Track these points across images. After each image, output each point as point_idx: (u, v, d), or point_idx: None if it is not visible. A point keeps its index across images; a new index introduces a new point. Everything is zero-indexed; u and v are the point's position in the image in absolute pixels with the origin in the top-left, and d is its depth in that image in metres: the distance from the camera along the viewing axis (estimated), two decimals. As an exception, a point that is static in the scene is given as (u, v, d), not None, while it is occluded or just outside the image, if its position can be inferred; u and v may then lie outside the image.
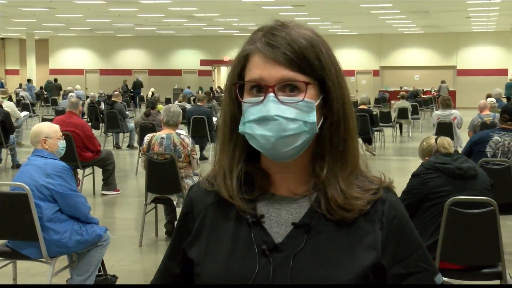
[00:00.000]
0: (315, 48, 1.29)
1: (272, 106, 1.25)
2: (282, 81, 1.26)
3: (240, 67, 1.32)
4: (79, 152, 8.36)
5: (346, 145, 1.32)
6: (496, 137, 6.02)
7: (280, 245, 1.29)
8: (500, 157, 5.98)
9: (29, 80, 30.88)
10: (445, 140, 4.43)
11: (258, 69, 1.27)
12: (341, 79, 1.32)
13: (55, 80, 31.61)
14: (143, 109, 20.17)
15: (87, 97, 20.59)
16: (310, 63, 1.27)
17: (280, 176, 1.35)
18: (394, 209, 1.35)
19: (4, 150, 11.13)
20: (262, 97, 1.26)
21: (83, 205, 4.56)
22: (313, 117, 1.27)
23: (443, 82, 30.34)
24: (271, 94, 1.25)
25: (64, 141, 4.92)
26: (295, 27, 1.31)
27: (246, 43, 1.33)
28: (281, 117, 1.25)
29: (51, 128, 4.79)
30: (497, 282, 4.19)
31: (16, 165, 10.93)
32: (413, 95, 23.63)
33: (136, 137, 13.02)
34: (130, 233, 7.09)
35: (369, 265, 1.28)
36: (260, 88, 1.28)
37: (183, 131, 7.59)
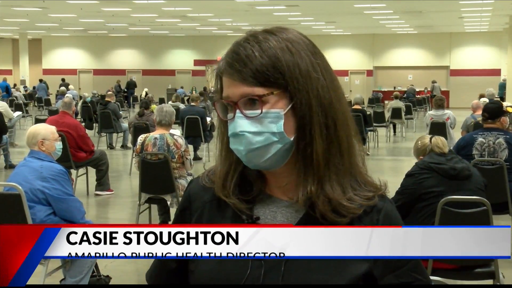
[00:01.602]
0: (270, 58, 1.29)
1: (239, 122, 1.29)
2: (242, 97, 1.30)
3: (219, 85, 1.36)
4: (72, 152, 8.34)
5: (312, 149, 1.30)
6: (480, 139, 6.01)
7: None
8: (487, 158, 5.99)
9: (40, 80, 30.63)
10: (439, 140, 4.43)
11: (225, 88, 1.33)
12: (308, 83, 1.30)
13: (63, 80, 31.35)
14: (137, 109, 20.14)
15: (81, 97, 20.54)
16: (264, 75, 1.29)
17: (274, 180, 1.37)
18: (390, 218, 1.34)
19: (-3, 151, 11.10)
20: (232, 115, 1.31)
21: (77, 210, 4.53)
22: (279, 126, 1.29)
23: (434, 82, 30.46)
24: (238, 111, 1.30)
25: (61, 142, 4.90)
26: (259, 37, 1.32)
27: (221, 59, 1.36)
28: (246, 132, 1.29)
29: (48, 130, 4.77)
30: (490, 281, 4.20)
31: (9, 166, 10.90)
32: (412, 94, 24.22)
33: (129, 137, 13.00)
34: (124, 234, 7.07)
35: (360, 275, 1.29)
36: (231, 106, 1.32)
37: (177, 131, 7.58)
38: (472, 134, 6.21)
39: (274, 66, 1.29)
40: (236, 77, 1.30)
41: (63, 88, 21.80)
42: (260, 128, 1.29)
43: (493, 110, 6.11)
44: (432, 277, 3.95)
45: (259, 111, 1.28)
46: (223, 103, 1.34)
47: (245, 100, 1.29)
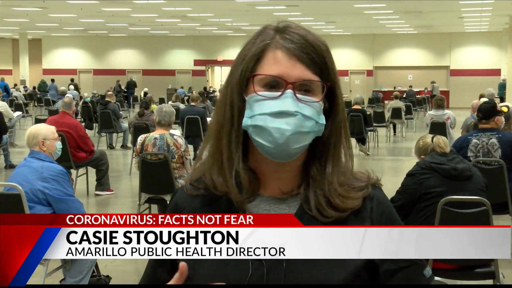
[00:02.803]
0: (328, 53, 1.32)
1: (291, 102, 1.26)
2: (302, 80, 1.28)
3: (254, 60, 1.31)
4: (72, 153, 8.34)
5: (347, 148, 1.37)
6: (474, 140, 5.99)
7: None
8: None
9: (52, 80, 30.54)
10: (441, 139, 4.43)
11: (279, 65, 1.28)
12: (339, 85, 1.36)
13: (72, 80, 31.23)
14: (137, 109, 20.14)
15: (81, 97, 20.52)
16: (328, 67, 1.31)
17: (273, 175, 1.35)
18: (382, 205, 1.36)
19: (-3, 151, 11.10)
20: (280, 92, 1.27)
21: (77, 211, 4.53)
22: (323, 119, 1.30)
23: (433, 82, 30.48)
24: (290, 91, 1.27)
25: (60, 142, 4.91)
26: (305, 29, 1.35)
27: (258, 38, 1.33)
28: (300, 114, 1.26)
29: (48, 130, 4.78)
30: (490, 281, 4.21)
31: (9, 166, 10.90)
32: (412, 95, 24.66)
33: (129, 137, 13.01)
34: (124, 234, 7.07)
35: (362, 264, 1.30)
36: (276, 83, 1.28)
37: (177, 131, 7.58)
38: (467, 135, 6.20)
39: (331, 61, 1.33)
40: (304, 58, 1.29)
41: (63, 88, 21.79)
42: (312, 114, 1.28)
43: (487, 110, 6.10)
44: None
45: (317, 98, 1.29)
46: (248, 78, 1.30)
47: (299, 84, 1.28)
